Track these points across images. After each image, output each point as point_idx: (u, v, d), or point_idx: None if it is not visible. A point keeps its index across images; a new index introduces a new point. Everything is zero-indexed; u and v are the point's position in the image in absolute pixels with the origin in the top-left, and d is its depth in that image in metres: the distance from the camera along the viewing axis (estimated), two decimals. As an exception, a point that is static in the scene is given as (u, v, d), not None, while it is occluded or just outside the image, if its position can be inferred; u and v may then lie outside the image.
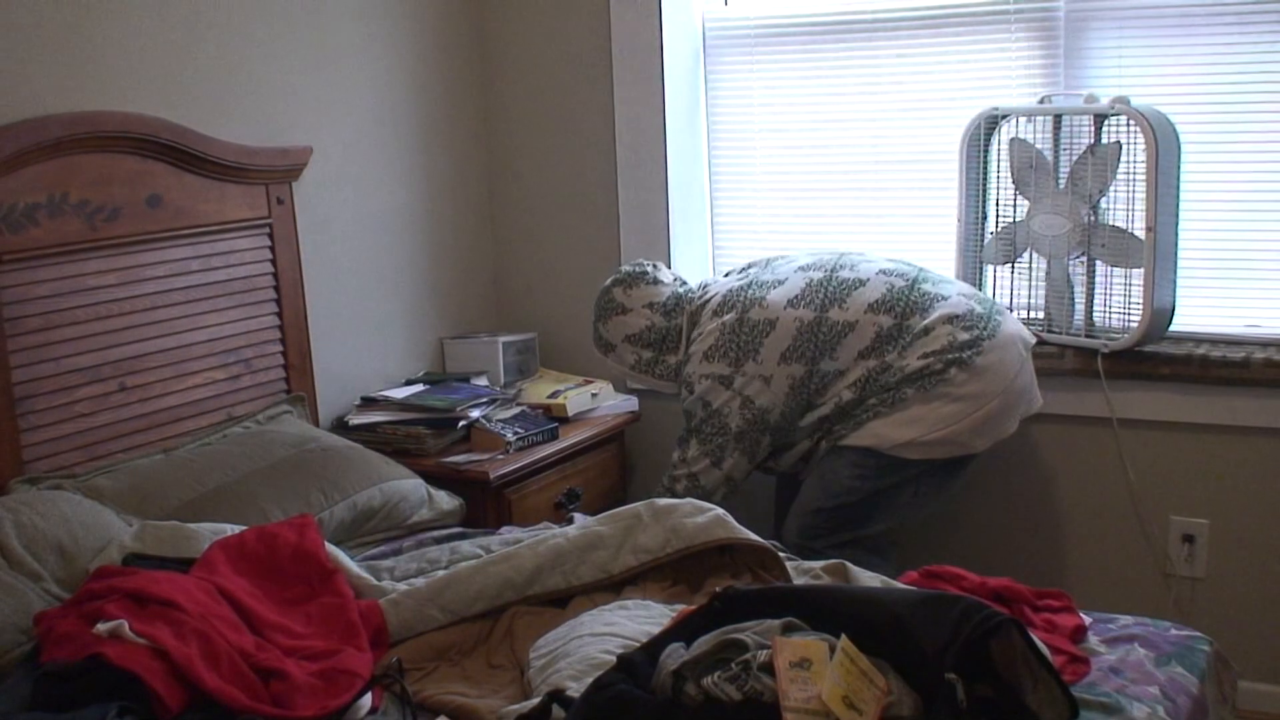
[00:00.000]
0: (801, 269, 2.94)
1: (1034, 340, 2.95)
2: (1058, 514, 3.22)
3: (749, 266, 3.10)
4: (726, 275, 3.14)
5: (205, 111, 2.88)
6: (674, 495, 2.87)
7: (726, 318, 2.91)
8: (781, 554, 2.34)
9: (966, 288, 2.94)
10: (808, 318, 2.84)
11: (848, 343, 2.81)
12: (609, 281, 3.14)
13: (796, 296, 2.87)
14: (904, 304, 2.81)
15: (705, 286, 3.09)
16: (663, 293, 3.09)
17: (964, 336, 2.76)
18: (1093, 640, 2.17)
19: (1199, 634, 2.23)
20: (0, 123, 2.47)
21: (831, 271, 2.90)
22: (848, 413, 2.83)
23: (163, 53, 2.80)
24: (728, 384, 2.88)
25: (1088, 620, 2.23)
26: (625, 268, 3.17)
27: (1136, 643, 2.15)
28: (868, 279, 2.87)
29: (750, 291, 2.93)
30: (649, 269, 3.14)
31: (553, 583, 2.27)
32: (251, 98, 3.01)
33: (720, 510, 2.37)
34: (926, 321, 2.78)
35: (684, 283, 3.17)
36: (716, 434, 2.89)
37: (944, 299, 2.83)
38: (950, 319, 2.78)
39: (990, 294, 3.17)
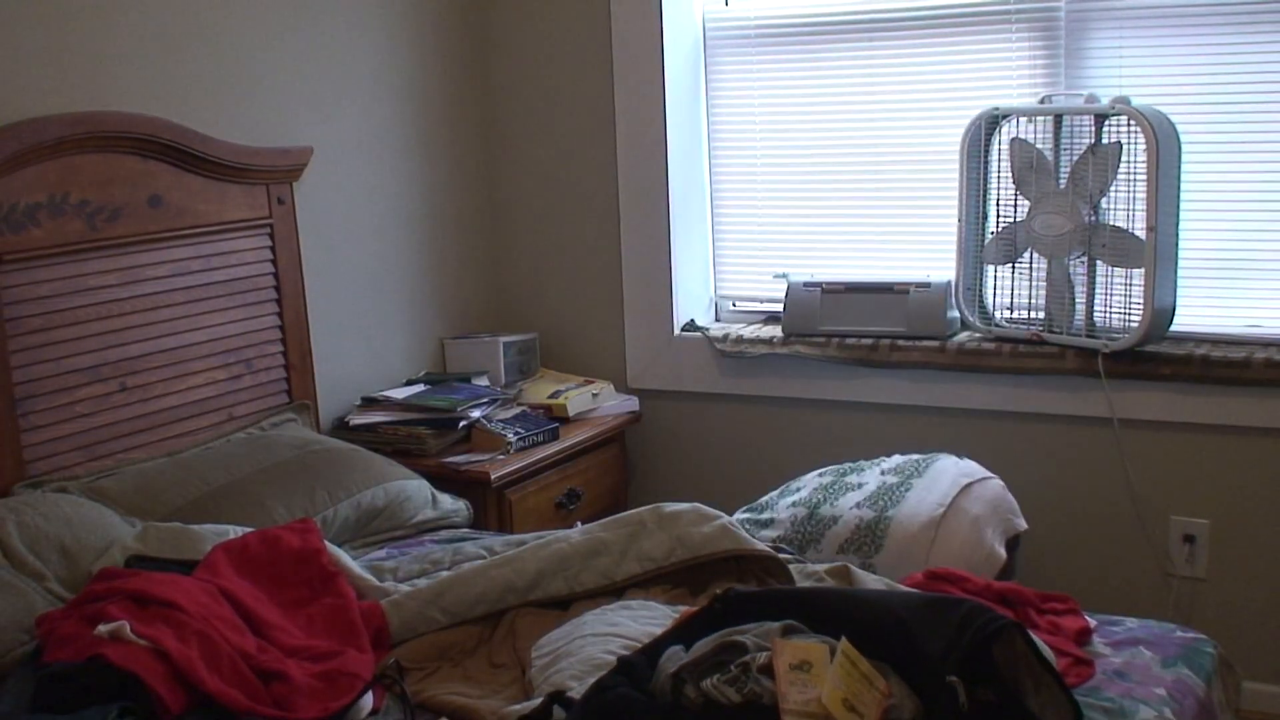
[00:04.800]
0: None
1: (950, 497, 2.66)
2: (1058, 514, 3.22)
3: None
4: None
5: (206, 111, 2.88)
6: None
7: None
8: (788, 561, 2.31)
9: (873, 481, 2.74)
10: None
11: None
12: None
13: None
14: (801, 537, 2.64)
15: None
16: None
17: (856, 560, 2.55)
18: (1098, 643, 2.16)
19: (1204, 637, 2.23)
20: (0, 123, 2.47)
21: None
22: None
23: (163, 53, 2.80)
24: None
25: (1093, 623, 2.22)
26: None
27: (1142, 645, 2.15)
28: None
29: None
30: None
31: (555, 588, 2.26)
32: (252, 98, 3.01)
33: (726, 518, 2.34)
34: (821, 555, 2.59)
35: None
36: None
37: (835, 520, 2.64)
38: (842, 545, 2.61)
39: (990, 299, 3.17)
